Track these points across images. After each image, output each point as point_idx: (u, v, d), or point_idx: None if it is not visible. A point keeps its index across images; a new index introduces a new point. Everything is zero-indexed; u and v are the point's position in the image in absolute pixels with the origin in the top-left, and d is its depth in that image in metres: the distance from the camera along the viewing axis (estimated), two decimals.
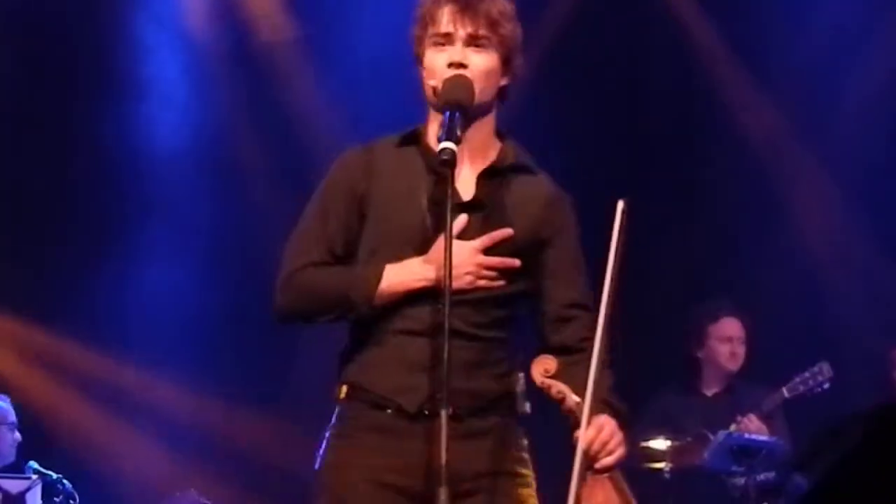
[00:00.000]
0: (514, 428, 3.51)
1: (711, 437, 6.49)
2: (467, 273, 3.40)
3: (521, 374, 3.50)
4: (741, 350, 6.88)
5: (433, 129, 3.50)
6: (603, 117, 7.95)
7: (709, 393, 6.91)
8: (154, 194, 7.95)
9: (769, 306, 7.51)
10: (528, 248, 3.49)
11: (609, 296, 3.33)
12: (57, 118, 7.80)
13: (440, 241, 3.35)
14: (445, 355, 3.22)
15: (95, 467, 7.48)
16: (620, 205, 3.36)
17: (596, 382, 3.33)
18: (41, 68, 7.82)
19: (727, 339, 6.87)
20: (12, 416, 6.72)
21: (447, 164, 3.31)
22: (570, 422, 3.41)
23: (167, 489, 7.27)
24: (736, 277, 7.69)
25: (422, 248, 3.42)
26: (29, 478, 6.50)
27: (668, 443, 6.42)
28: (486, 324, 3.46)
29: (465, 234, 3.43)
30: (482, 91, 3.46)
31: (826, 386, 6.46)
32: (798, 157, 7.98)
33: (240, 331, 7.70)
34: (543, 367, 3.43)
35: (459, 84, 3.42)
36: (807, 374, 6.51)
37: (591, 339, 3.42)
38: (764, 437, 6.43)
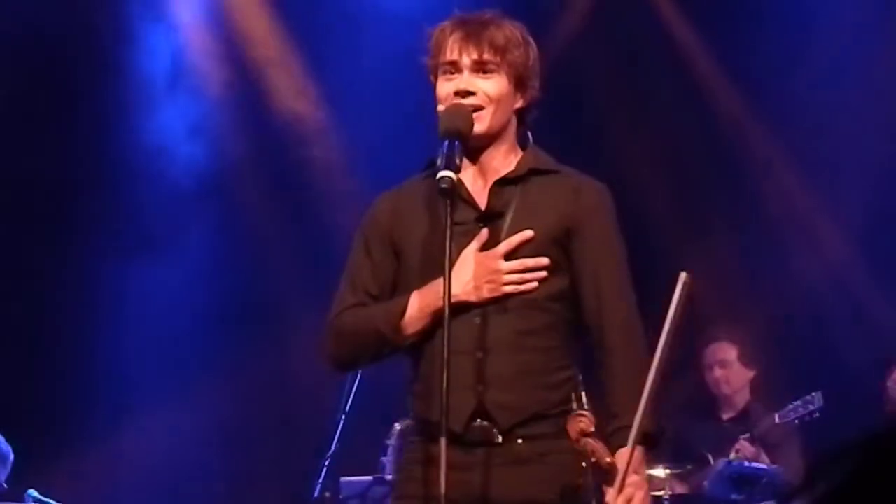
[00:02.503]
0: (568, 451, 3.36)
1: (712, 461, 6.51)
2: (488, 282, 3.40)
3: (584, 394, 3.40)
4: (723, 373, 6.97)
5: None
6: (602, 132, 7.99)
7: (725, 417, 6.97)
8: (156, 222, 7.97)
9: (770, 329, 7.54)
10: (558, 245, 3.47)
11: (659, 364, 3.21)
12: (59, 120, 7.82)
13: (461, 257, 3.40)
14: (445, 375, 3.23)
15: (95, 496, 7.47)
16: (683, 276, 3.23)
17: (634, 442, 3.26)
18: (42, 74, 7.84)
19: (708, 366, 7.01)
20: (7, 448, 6.70)
21: (446, 194, 3.32)
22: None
23: None
24: (735, 299, 7.70)
25: (452, 258, 3.38)
26: None
27: (668, 471, 6.44)
28: (530, 331, 3.43)
29: (488, 246, 3.45)
30: (493, 117, 3.46)
31: (816, 415, 6.51)
32: (794, 179, 7.99)
33: (240, 331, 7.74)
34: (580, 427, 3.31)
35: (457, 113, 3.43)
36: (799, 403, 6.58)
37: (625, 340, 3.42)
38: (764, 466, 6.44)
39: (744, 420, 6.88)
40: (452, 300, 3.32)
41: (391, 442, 6.46)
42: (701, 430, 6.79)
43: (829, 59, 7.74)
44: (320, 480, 6.28)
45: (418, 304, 3.42)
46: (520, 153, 3.55)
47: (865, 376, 7.11)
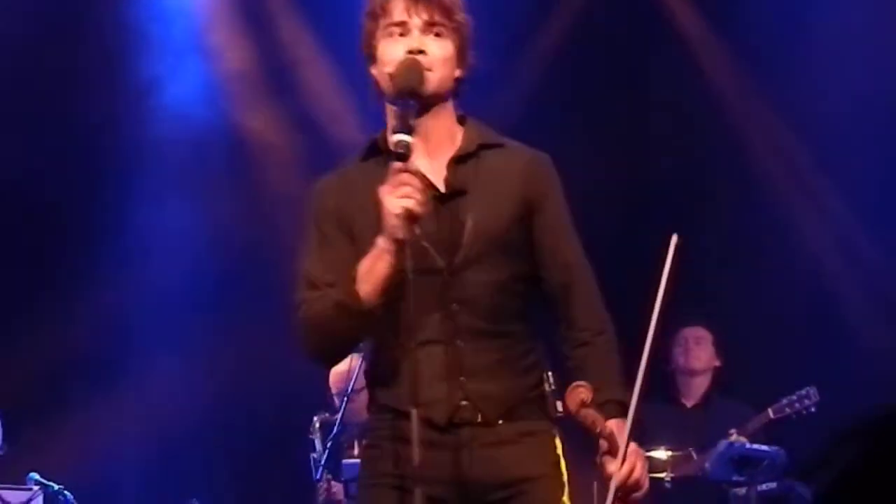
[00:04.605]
0: (547, 430, 3.43)
1: (694, 454, 6.58)
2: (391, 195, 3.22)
3: (550, 373, 3.42)
4: (696, 350, 7.04)
5: (389, 129, 3.41)
6: (603, 128, 7.97)
7: (688, 404, 7.08)
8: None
9: (770, 318, 7.54)
10: (520, 223, 3.42)
11: (654, 330, 3.24)
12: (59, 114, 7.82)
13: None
14: (413, 367, 3.22)
15: (97, 478, 7.47)
16: (674, 239, 3.24)
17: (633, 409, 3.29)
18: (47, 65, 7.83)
19: (681, 342, 7.07)
20: None
21: (402, 158, 3.22)
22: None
23: (169, 500, 7.28)
24: (735, 290, 7.70)
25: (418, 255, 3.29)
26: (30, 489, 6.50)
27: (669, 453, 6.46)
28: (502, 315, 3.38)
29: (450, 224, 3.37)
30: (441, 80, 3.40)
31: (813, 410, 6.53)
32: (799, 166, 7.98)
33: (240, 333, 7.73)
34: (580, 399, 3.29)
35: (412, 68, 3.36)
36: (794, 397, 6.59)
37: (595, 315, 3.42)
38: (765, 447, 6.44)
39: (706, 407, 7.01)
40: (389, 256, 3.23)
41: (314, 436, 6.47)
42: (664, 415, 6.80)
43: (833, 34, 7.74)
44: (322, 463, 6.28)
45: (364, 269, 3.30)
46: (460, 127, 3.49)
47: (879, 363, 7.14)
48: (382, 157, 3.42)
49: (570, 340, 3.44)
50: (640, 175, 8.01)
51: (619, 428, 3.32)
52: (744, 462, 6.37)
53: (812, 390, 6.56)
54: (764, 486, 6.39)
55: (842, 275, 7.79)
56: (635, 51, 8.15)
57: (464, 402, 3.33)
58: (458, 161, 3.44)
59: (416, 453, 3.14)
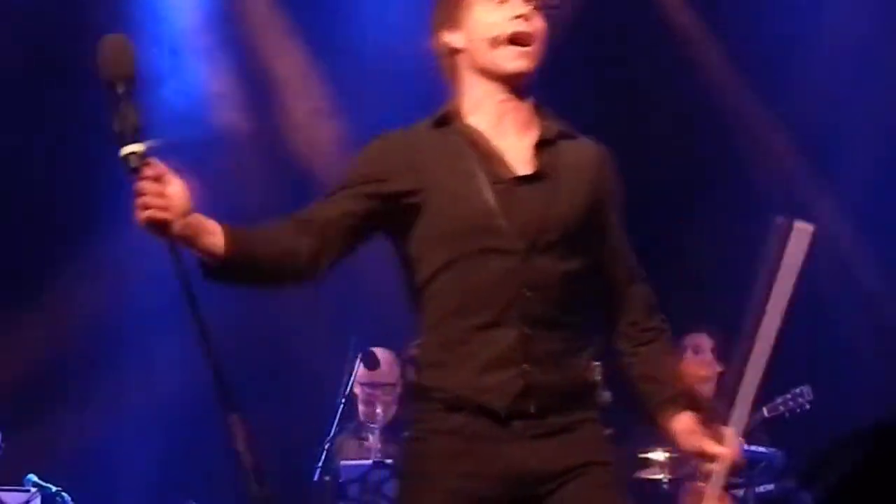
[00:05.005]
0: (595, 419, 3.33)
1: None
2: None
3: (598, 363, 3.35)
4: (695, 360, 7.02)
5: (472, 102, 3.34)
6: (602, 119, 7.97)
7: None
8: None
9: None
10: (592, 216, 3.33)
11: (778, 332, 3.14)
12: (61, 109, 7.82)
13: None
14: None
15: (94, 480, 7.47)
16: (801, 226, 3.11)
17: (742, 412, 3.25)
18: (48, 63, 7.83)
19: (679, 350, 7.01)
20: None
21: (135, 172, 2.92)
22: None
23: (167, 501, 7.28)
24: (734, 291, 7.68)
25: (489, 231, 3.23)
26: (28, 491, 6.50)
27: (667, 454, 6.46)
28: (570, 306, 3.29)
29: (532, 208, 3.25)
30: (538, 56, 3.33)
31: (807, 408, 6.54)
32: (795, 170, 7.99)
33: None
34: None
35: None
36: (788, 396, 6.61)
37: (657, 314, 3.40)
38: (763, 449, 6.44)
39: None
40: None
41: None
42: None
43: (828, 38, 7.74)
44: (320, 464, 6.29)
45: None
46: (537, 112, 3.39)
47: (866, 365, 7.14)
48: (455, 127, 3.33)
49: (633, 338, 3.40)
50: (639, 174, 7.99)
51: (690, 424, 3.31)
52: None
53: (806, 389, 6.58)
54: (762, 488, 6.39)
55: (838, 275, 7.80)
56: (634, 50, 8.15)
57: (523, 391, 3.22)
58: (542, 144, 3.34)
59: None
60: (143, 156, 2.90)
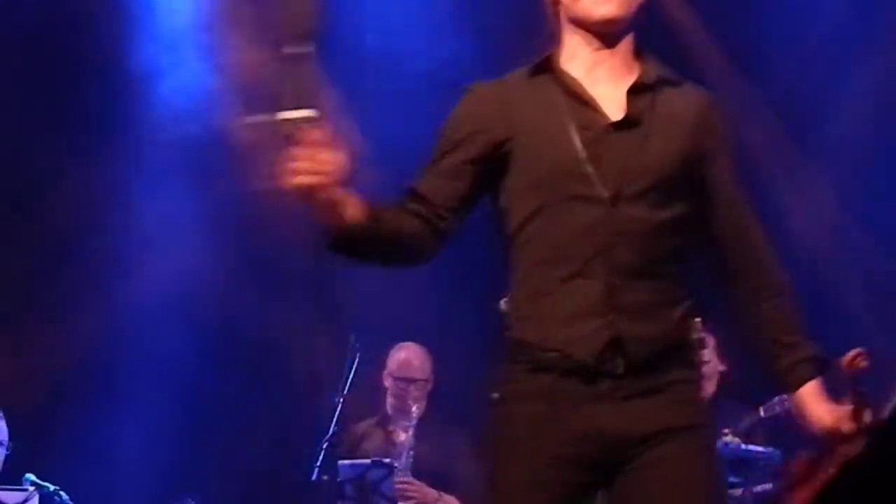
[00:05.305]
0: (692, 380, 3.26)
1: None
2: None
3: (698, 320, 3.27)
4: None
5: (569, 51, 3.31)
6: None
7: None
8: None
9: None
10: (690, 165, 3.25)
11: None
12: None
13: None
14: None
15: (93, 479, 7.46)
16: None
17: None
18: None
19: None
20: (4, 434, 6.69)
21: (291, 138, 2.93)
22: None
23: (165, 500, 7.27)
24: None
25: (575, 178, 3.18)
26: (26, 490, 6.49)
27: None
28: (661, 256, 3.20)
29: (621, 155, 3.20)
30: (629, 2, 3.28)
31: None
32: (792, 156, 7.99)
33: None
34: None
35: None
36: (785, 396, 6.51)
37: (775, 271, 3.30)
38: (760, 448, 6.42)
39: None
40: None
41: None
42: None
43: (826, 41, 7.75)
44: (318, 464, 6.29)
45: None
46: (637, 59, 3.33)
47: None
48: (552, 76, 3.30)
49: (750, 295, 3.31)
50: None
51: (814, 393, 3.26)
52: (739, 463, 6.36)
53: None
54: (759, 488, 6.38)
55: (839, 271, 7.79)
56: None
57: (611, 342, 3.15)
58: (635, 91, 3.27)
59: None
60: (306, 122, 2.88)
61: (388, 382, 6.79)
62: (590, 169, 3.18)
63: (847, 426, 3.18)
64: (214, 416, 7.91)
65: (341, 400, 6.26)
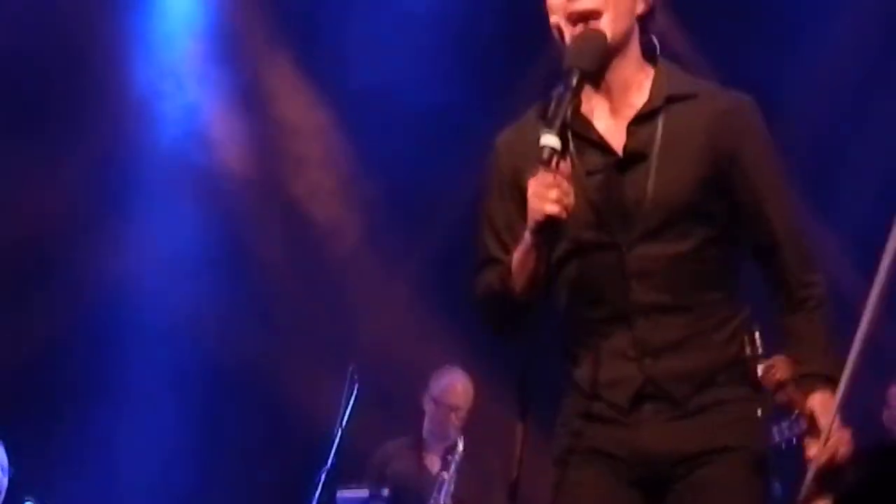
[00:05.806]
0: (745, 397, 3.18)
1: None
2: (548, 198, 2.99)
3: (756, 332, 3.18)
4: None
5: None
6: None
7: None
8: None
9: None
10: (709, 184, 3.14)
11: (875, 309, 2.93)
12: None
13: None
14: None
15: (93, 501, 7.45)
16: None
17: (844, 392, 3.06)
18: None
19: None
20: (4, 460, 6.67)
21: (546, 164, 2.95)
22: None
23: None
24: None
25: (586, 226, 3.14)
26: None
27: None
28: (688, 288, 3.14)
29: (629, 196, 3.13)
30: (615, 23, 3.12)
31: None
32: (797, 164, 7.95)
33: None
34: (776, 379, 3.12)
35: (585, 41, 3.10)
36: (784, 424, 6.47)
37: (801, 281, 3.18)
38: None
39: None
40: (537, 216, 3.00)
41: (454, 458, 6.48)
42: None
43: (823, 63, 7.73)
44: (317, 494, 6.26)
45: (518, 256, 3.14)
46: (650, 71, 3.20)
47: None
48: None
49: (778, 307, 3.23)
50: None
51: (822, 405, 3.13)
52: None
53: (802, 419, 6.44)
54: None
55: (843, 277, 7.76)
56: None
57: (645, 384, 3.14)
58: (639, 120, 3.17)
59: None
60: (553, 151, 2.94)
61: (428, 406, 6.75)
62: (599, 217, 3.14)
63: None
64: (215, 442, 7.90)
65: (339, 430, 6.23)
